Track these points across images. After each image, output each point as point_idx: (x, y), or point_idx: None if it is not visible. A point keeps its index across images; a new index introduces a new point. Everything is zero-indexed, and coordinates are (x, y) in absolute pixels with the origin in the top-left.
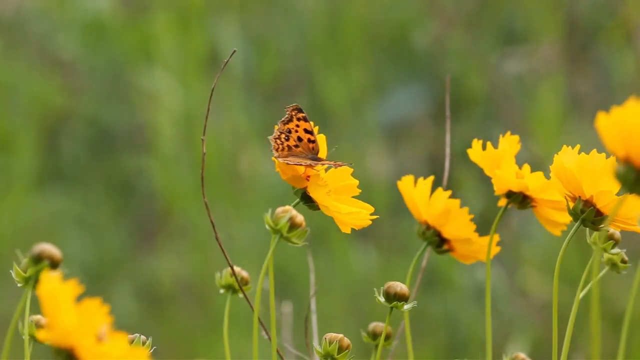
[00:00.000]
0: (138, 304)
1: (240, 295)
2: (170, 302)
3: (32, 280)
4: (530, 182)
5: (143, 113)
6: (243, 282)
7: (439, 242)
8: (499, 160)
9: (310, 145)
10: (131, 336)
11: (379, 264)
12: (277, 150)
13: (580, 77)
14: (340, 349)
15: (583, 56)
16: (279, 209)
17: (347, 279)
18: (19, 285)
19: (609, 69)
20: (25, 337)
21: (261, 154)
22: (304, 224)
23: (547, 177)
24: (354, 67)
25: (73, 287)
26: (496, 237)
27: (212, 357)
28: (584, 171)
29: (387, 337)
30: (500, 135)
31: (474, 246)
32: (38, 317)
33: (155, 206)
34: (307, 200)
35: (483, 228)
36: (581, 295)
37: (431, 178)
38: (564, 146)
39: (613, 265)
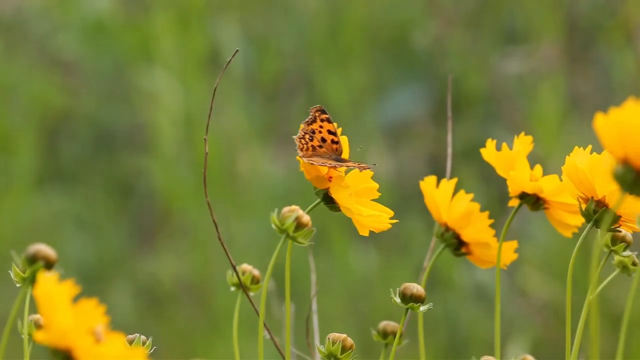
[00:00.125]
0: (138, 304)
1: (251, 294)
2: (170, 302)
3: (29, 281)
4: (545, 184)
5: (143, 113)
6: (254, 281)
7: (457, 244)
8: (513, 161)
9: (334, 146)
10: (131, 336)
11: (379, 264)
12: (301, 149)
13: (580, 77)
14: (344, 349)
15: (583, 56)
16: (286, 209)
17: (347, 279)
18: (17, 285)
19: (609, 69)
20: (25, 337)
21: (262, 154)
22: (310, 223)
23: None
24: (354, 67)
25: (69, 288)
26: (514, 244)
27: (212, 357)
28: (595, 171)
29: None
30: (515, 136)
31: (492, 251)
32: (37, 316)
33: (155, 206)
34: (328, 201)
35: (495, 232)
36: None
37: (454, 180)
38: (576, 147)
39: (624, 267)
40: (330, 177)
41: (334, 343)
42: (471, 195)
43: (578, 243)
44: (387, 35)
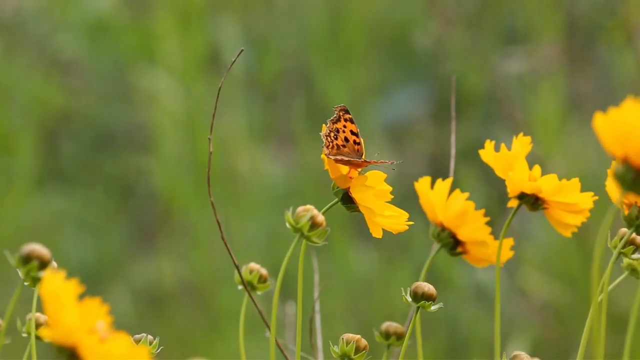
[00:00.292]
0: (138, 304)
1: (259, 292)
2: (170, 303)
3: (37, 280)
4: (543, 184)
5: (143, 113)
6: (261, 280)
7: (454, 244)
8: (512, 162)
9: (356, 147)
10: (138, 336)
11: (380, 264)
12: (328, 147)
13: (580, 77)
14: (358, 350)
15: (583, 56)
16: (300, 208)
17: (347, 279)
18: (25, 284)
19: (609, 69)
20: (32, 335)
21: (262, 154)
22: (324, 223)
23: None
24: (354, 67)
25: (75, 286)
26: (510, 242)
27: (212, 358)
28: None
29: (401, 337)
30: (514, 137)
31: (489, 249)
32: (37, 314)
33: (155, 206)
34: (347, 201)
35: (491, 230)
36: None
37: (450, 179)
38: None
39: (633, 270)
40: (351, 177)
41: (347, 343)
42: (466, 194)
43: (620, 246)
44: (388, 35)
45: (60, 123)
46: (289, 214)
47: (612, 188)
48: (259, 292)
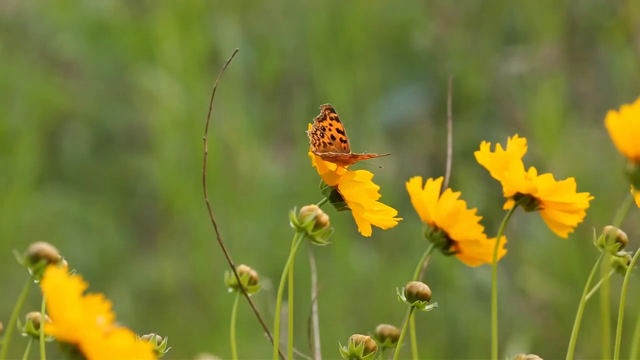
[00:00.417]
0: (138, 304)
1: (249, 294)
2: (170, 303)
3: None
4: (539, 184)
5: (144, 113)
6: (252, 282)
7: (446, 243)
8: (507, 162)
9: (342, 145)
10: (147, 336)
11: (380, 264)
12: (314, 144)
13: (580, 77)
14: (367, 350)
15: (583, 56)
16: (304, 208)
17: (347, 279)
18: (35, 282)
19: (609, 69)
20: (41, 334)
21: (262, 154)
22: (328, 223)
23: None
24: (354, 67)
25: (78, 283)
26: (503, 240)
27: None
28: None
29: (395, 339)
30: (509, 138)
31: (482, 248)
32: (36, 314)
33: (155, 207)
34: (335, 198)
35: (484, 228)
36: (587, 297)
37: (440, 179)
38: None
39: (619, 267)
40: (339, 175)
41: (357, 344)
42: (458, 194)
43: (636, 255)
44: (388, 35)
45: (61, 123)
46: (293, 214)
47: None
48: (249, 294)
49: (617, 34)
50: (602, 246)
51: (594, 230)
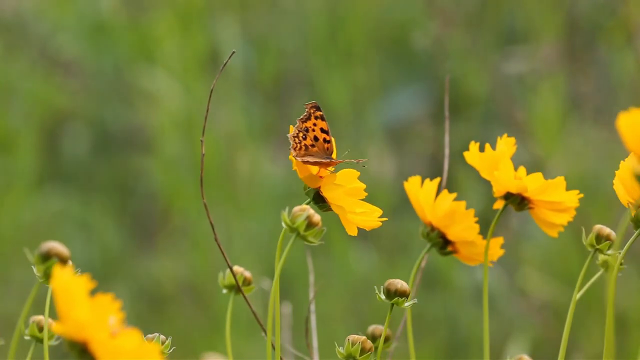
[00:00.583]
0: (138, 304)
1: (248, 295)
2: (170, 303)
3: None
4: (529, 183)
5: (143, 114)
6: (246, 283)
7: (443, 243)
8: (497, 162)
9: (326, 145)
10: (150, 335)
11: (379, 264)
12: (295, 149)
13: (580, 77)
14: (363, 351)
15: (583, 56)
16: (296, 208)
17: (347, 279)
18: (40, 281)
19: (609, 69)
20: (45, 336)
21: (261, 154)
22: (320, 223)
23: (547, 178)
24: (354, 68)
25: (86, 281)
26: (500, 240)
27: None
28: None
29: (387, 339)
30: (498, 137)
31: (478, 248)
32: (40, 317)
33: (155, 207)
34: (318, 200)
35: (482, 229)
36: (578, 295)
37: (437, 179)
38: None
39: (609, 267)
40: (321, 177)
41: (353, 344)
42: (454, 195)
43: (624, 251)
44: (388, 35)
45: (61, 123)
46: (285, 214)
47: (620, 188)
48: (247, 294)
49: (617, 34)
50: (592, 245)
51: (583, 230)
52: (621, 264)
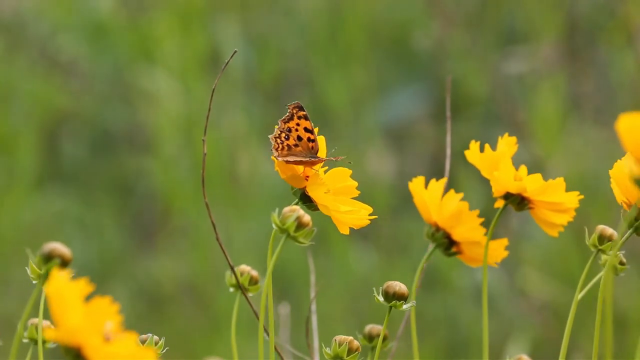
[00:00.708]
0: (138, 304)
1: (249, 295)
2: (170, 303)
3: (44, 279)
4: (528, 183)
5: (143, 114)
6: (252, 282)
7: (448, 244)
8: (497, 162)
9: (310, 144)
10: (144, 336)
11: (379, 264)
12: (276, 149)
13: (580, 77)
14: (350, 351)
15: (583, 56)
16: (286, 209)
17: (347, 280)
18: (33, 282)
19: (609, 69)
20: (39, 338)
21: (261, 154)
22: (310, 223)
23: (547, 178)
24: (354, 68)
25: (82, 286)
26: (504, 242)
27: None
28: None
29: (384, 338)
30: (499, 137)
31: (483, 249)
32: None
33: (155, 207)
34: (305, 200)
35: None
36: (580, 296)
37: (444, 179)
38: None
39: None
40: (307, 177)
41: (340, 345)
42: (461, 195)
43: (615, 249)
44: (388, 35)
45: (61, 123)
46: (274, 215)
47: (616, 188)
48: (250, 294)
49: (617, 34)
50: (594, 246)
51: (586, 230)
52: (623, 264)
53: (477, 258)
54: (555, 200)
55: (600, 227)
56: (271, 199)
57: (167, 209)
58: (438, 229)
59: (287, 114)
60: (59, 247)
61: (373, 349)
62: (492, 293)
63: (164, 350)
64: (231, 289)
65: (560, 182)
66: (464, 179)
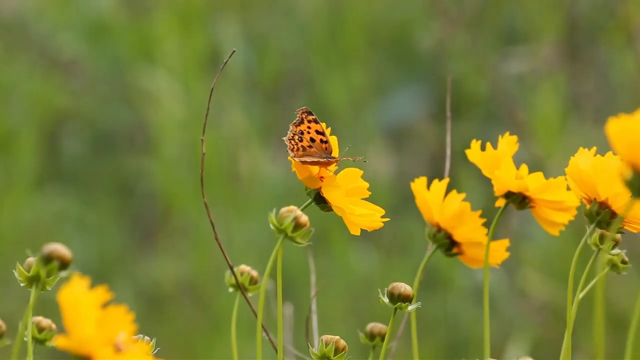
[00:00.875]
0: (138, 304)
1: (249, 295)
2: (170, 303)
3: (37, 281)
4: (530, 182)
5: (144, 114)
6: (252, 282)
7: (450, 244)
8: (498, 161)
9: (324, 145)
10: (136, 337)
11: (379, 264)
12: (292, 150)
13: (580, 77)
14: (337, 351)
15: (583, 56)
16: (284, 209)
17: (347, 280)
18: (22, 285)
19: (609, 69)
20: (29, 337)
21: (262, 154)
22: (308, 223)
23: (547, 177)
24: (354, 68)
25: (98, 295)
26: (506, 243)
27: (212, 357)
28: (599, 173)
29: (384, 338)
30: (500, 136)
31: (484, 250)
32: (39, 318)
33: (155, 207)
34: (320, 201)
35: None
36: (581, 295)
37: (446, 180)
38: (580, 148)
39: (613, 266)
40: (322, 177)
41: (327, 344)
42: (463, 195)
43: (580, 244)
44: (388, 35)
45: (61, 123)
46: (272, 215)
47: (572, 184)
48: (250, 294)
49: (617, 34)
50: (596, 245)
51: (587, 229)
52: (625, 263)
53: (477, 259)
54: (556, 199)
55: None
56: (271, 199)
57: (167, 209)
58: (440, 229)
59: (297, 118)
60: (59, 249)
61: (374, 347)
62: (492, 293)
63: (156, 351)
64: (230, 289)
65: (561, 180)
66: (464, 179)
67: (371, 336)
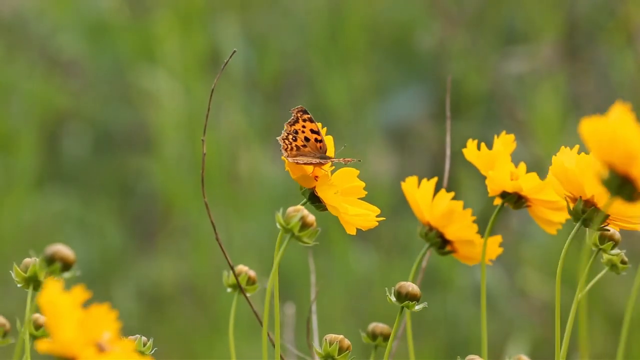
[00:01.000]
0: (139, 304)
1: (249, 295)
2: (170, 303)
3: (31, 280)
4: (524, 182)
5: (144, 114)
6: (250, 282)
7: (442, 243)
8: (494, 161)
9: (318, 144)
10: (132, 337)
11: (379, 264)
12: (286, 150)
13: (580, 77)
14: (341, 350)
15: (583, 56)
16: (290, 209)
17: (347, 280)
18: (18, 285)
19: (609, 69)
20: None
21: (262, 154)
22: (314, 223)
23: (545, 177)
24: (355, 68)
25: (77, 295)
26: (498, 238)
27: (212, 357)
28: (584, 171)
29: (387, 337)
30: (495, 136)
31: (477, 247)
32: (37, 315)
33: (156, 207)
34: (314, 200)
35: (483, 228)
36: (580, 296)
37: (434, 179)
38: (562, 147)
39: (613, 266)
40: (316, 177)
41: (331, 344)
42: (452, 194)
43: (567, 243)
44: (388, 35)
45: (61, 123)
46: (279, 215)
47: (555, 182)
48: (248, 294)
49: (617, 34)
50: (595, 245)
51: (587, 230)
52: (625, 263)
53: (471, 256)
54: (551, 199)
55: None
56: (271, 199)
57: (167, 209)
58: (431, 228)
59: (292, 117)
60: (62, 250)
61: (376, 347)
62: (492, 293)
63: (153, 351)
64: (229, 289)
65: (555, 180)
66: (465, 179)
67: (373, 336)
